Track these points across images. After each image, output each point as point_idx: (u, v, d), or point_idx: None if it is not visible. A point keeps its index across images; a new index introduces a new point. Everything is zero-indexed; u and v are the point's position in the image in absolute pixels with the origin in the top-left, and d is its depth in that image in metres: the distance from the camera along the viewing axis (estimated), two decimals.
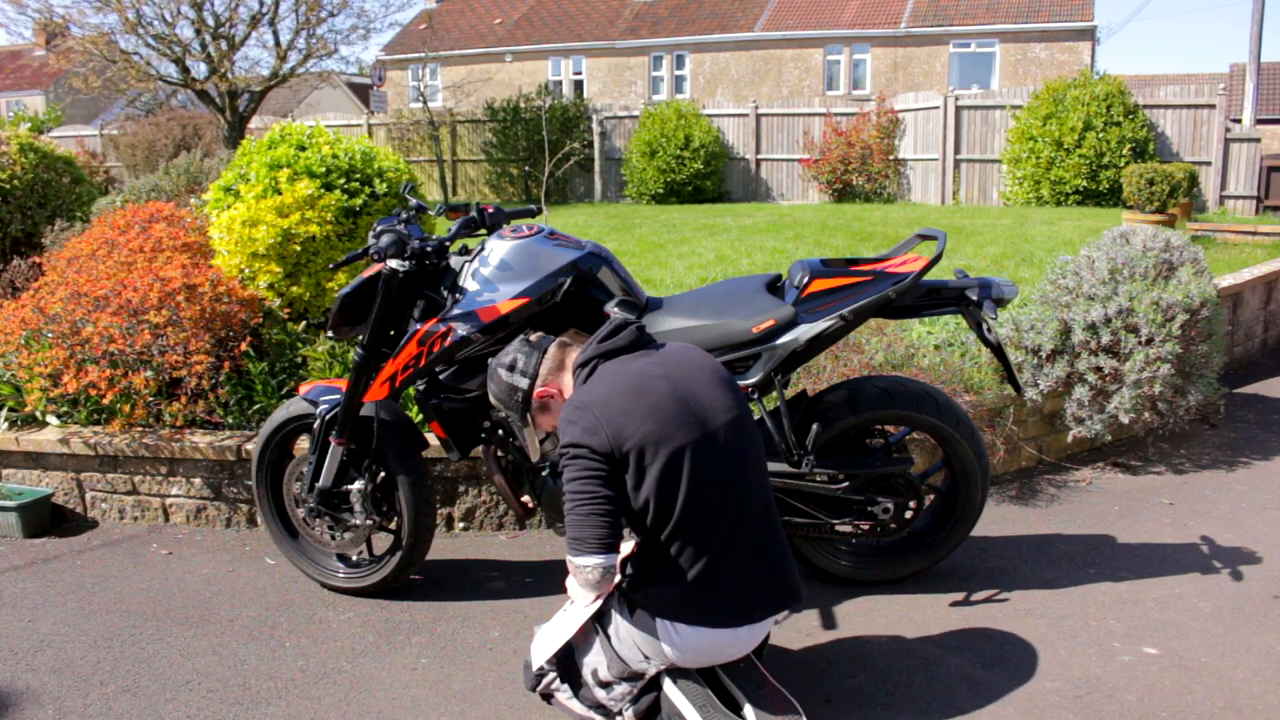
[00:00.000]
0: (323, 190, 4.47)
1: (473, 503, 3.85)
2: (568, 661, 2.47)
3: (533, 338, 2.50)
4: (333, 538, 3.25)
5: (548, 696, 2.52)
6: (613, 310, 2.91)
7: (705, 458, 2.23)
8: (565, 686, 2.46)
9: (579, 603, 2.37)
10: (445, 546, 3.68)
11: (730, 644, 2.31)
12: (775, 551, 2.34)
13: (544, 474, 2.99)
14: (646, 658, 2.34)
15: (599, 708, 2.41)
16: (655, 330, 2.89)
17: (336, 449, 3.13)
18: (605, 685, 2.39)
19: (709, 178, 15.56)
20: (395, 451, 3.14)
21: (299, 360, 4.25)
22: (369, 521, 3.18)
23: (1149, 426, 4.52)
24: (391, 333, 3.04)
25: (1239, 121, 16.20)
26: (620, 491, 2.21)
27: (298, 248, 4.38)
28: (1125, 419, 4.12)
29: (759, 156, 16.06)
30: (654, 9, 24.60)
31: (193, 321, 3.98)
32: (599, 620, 2.41)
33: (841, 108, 15.74)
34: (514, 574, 3.47)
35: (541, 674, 2.50)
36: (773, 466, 2.88)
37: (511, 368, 2.45)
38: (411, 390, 3.35)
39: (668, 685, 2.34)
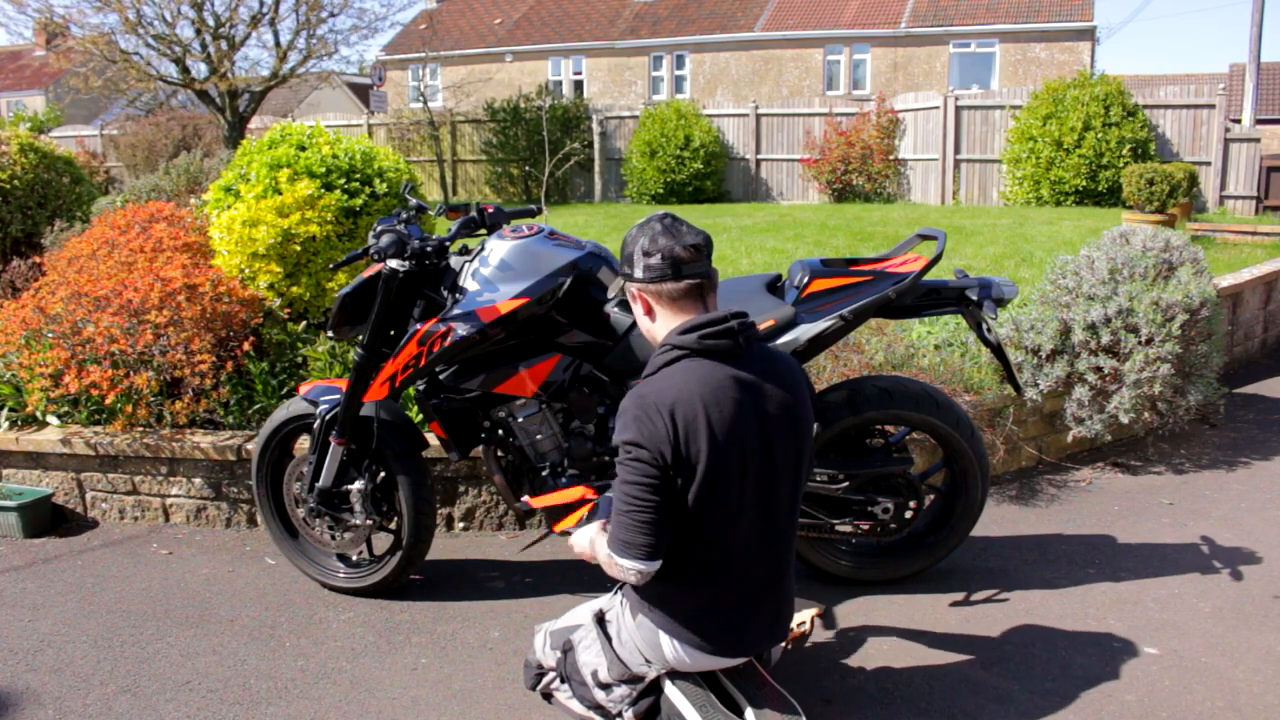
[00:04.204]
0: (323, 190, 4.47)
1: (473, 503, 3.86)
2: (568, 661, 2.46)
3: (685, 255, 2.21)
4: (333, 538, 3.25)
5: (548, 696, 2.51)
6: (612, 310, 2.91)
7: (752, 491, 2.20)
8: (565, 686, 2.46)
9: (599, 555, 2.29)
10: (445, 546, 3.68)
11: (730, 661, 2.33)
12: (781, 594, 2.33)
13: (544, 474, 2.99)
14: (648, 661, 2.34)
15: (598, 708, 2.41)
16: None
17: (336, 449, 3.13)
18: (605, 687, 2.38)
19: (709, 178, 15.56)
20: (395, 451, 3.14)
21: (299, 360, 4.25)
22: (369, 521, 3.18)
23: (1149, 426, 4.52)
24: (391, 333, 3.04)
25: (1239, 121, 16.20)
26: (672, 497, 2.15)
27: (298, 248, 4.38)
28: (1125, 419, 4.12)
29: (759, 156, 16.06)
30: (654, 9, 24.59)
31: (194, 321, 3.98)
32: (601, 622, 2.41)
33: (841, 108, 15.75)
34: (514, 574, 3.48)
35: (541, 673, 2.50)
36: None
37: (647, 253, 2.22)
38: (411, 390, 3.36)
39: (668, 686, 2.34)
